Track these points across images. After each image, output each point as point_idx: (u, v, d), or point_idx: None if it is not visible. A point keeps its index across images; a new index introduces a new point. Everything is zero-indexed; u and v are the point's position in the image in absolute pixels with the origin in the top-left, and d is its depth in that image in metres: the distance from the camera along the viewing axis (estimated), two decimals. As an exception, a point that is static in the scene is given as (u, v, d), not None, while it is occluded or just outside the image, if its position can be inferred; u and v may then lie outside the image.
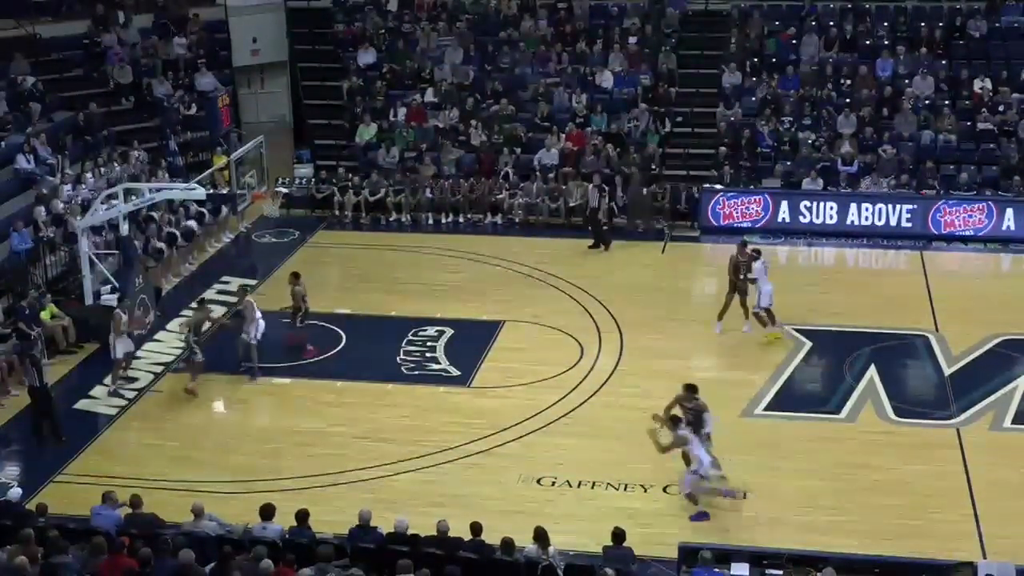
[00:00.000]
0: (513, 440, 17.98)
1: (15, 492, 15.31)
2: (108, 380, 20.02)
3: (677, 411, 16.53)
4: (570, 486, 16.72)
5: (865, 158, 27.74)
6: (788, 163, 28.00)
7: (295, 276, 21.36)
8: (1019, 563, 13.29)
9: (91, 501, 14.67)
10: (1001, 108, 28.49)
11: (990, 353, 20.66)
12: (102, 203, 22.31)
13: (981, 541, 15.28)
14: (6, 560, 12.23)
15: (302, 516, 13.88)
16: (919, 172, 27.28)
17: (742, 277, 21.09)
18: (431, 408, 19.09)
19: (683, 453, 16.23)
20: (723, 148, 28.23)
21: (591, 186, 26.43)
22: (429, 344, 21.33)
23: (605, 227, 26.23)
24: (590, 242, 26.11)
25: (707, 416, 16.45)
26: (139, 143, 27.99)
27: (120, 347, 19.97)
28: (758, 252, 21.15)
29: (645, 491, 16.53)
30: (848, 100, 29.27)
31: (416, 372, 20.35)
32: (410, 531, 13.75)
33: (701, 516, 15.88)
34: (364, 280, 24.72)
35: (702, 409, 16.47)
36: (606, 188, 26.53)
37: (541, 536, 13.59)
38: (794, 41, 31.04)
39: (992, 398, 19.11)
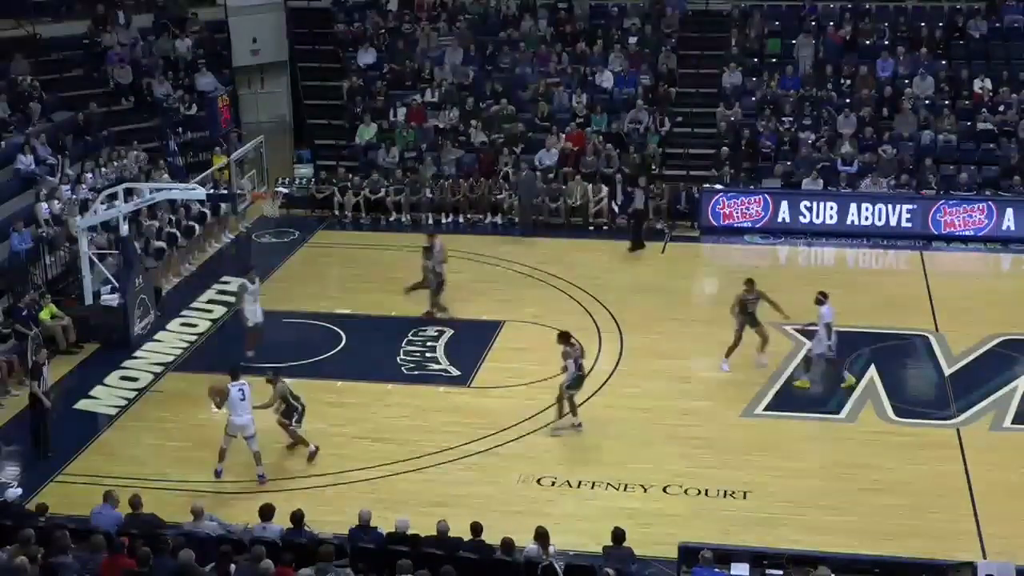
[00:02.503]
0: (513, 440, 17.99)
1: (15, 492, 15.30)
2: (248, 349, 20.55)
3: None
4: (570, 486, 16.73)
5: (865, 158, 27.75)
6: (788, 163, 28.00)
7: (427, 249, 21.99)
8: (1019, 563, 13.28)
9: (91, 501, 14.66)
10: (1001, 108, 28.49)
11: (990, 353, 20.67)
12: (102, 203, 22.33)
13: (981, 541, 15.28)
14: (6, 560, 12.23)
15: (297, 518, 13.86)
16: (919, 172, 27.28)
17: (749, 312, 20.01)
18: (431, 408, 19.09)
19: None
20: (724, 148, 28.23)
21: (637, 188, 26.35)
22: (429, 344, 21.33)
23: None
24: (628, 244, 25.97)
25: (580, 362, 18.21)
26: (139, 143, 28.03)
27: (251, 316, 20.58)
28: (825, 296, 19.47)
29: (645, 491, 16.54)
30: (848, 100, 29.28)
31: (416, 372, 20.36)
32: (410, 531, 13.76)
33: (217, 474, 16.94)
34: (364, 280, 24.72)
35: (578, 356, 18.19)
36: (652, 189, 26.53)
37: (542, 536, 13.58)
38: (793, 42, 31.07)
39: (992, 398, 19.12)
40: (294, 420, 17.40)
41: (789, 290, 23.61)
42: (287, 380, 17.78)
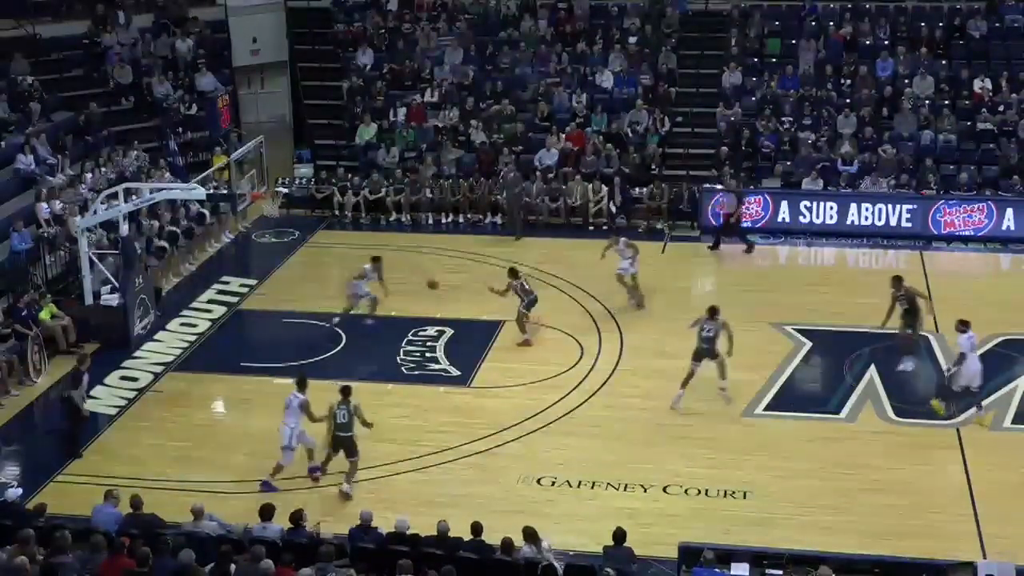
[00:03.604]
0: (513, 440, 17.99)
1: (15, 492, 15.30)
2: (339, 314, 21.81)
3: None
4: (570, 486, 16.72)
5: (865, 158, 27.74)
6: (788, 163, 28.00)
7: (513, 272, 21.38)
8: (1019, 563, 13.29)
9: (91, 501, 14.66)
10: (1001, 108, 28.48)
11: (990, 353, 20.58)
12: (102, 203, 22.32)
13: (981, 541, 15.28)
14: (6, 560, 12.22)
15: (295, 517, 13.86)
16: (919, 172, 27.28)
17: (907, 309, 19.74)
18: (431, 408, 19.09)
19: None
20: (723, 148, 28.23)
21: (730, 192, 26.23)
22: (429, 344, 21.33)
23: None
24: (743, 246, 25.91)
25: None
26: (139, 143, 28.02)
27: (355, 290, 21.63)
28: (966, 324, 18.60)
29: (645, 491, 16.54)
30: (848, 100, 29.27)
31: (416, 372, 20.35)
32: (410, 531, 13.75)
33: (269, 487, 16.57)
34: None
35: None
36: (743, 194, 26.41)
37: (531, 535, 13.61)
38: (793, 41, 31.09)
39: (992, 398, 19.09)
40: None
41: (789, 291, 23.73)
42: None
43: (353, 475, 16.59)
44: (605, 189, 27.38)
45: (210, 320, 22.74)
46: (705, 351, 18.77)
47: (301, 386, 16.88)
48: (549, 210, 27.57)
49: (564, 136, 29.09)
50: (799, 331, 21.50)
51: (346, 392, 16.69)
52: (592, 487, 16.68)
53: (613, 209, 27.35)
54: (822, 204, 26.69)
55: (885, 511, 15.99)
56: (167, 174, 26.72)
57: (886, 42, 30.70)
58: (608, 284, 23.82)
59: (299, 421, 16.64)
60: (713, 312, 18.94)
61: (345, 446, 16.57)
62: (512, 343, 21.29)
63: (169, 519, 14.28)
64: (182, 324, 22.46)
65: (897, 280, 20.07)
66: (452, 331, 21.77)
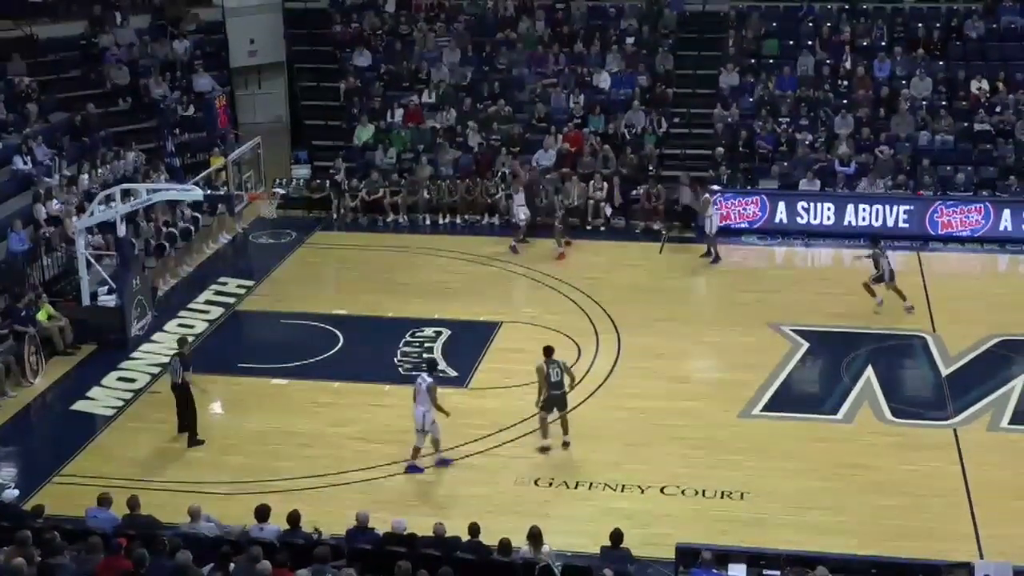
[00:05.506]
0: (511, 441, 17.98)
1: (12, 493, 15.28)
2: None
3: None
4: (567, 487, 16.72)
5: (862, 159, 27.75)
6: (785, 164, 28.00)
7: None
8: (1016, 563, 13.29)
9: (89, 502, 14.64)
10: (998, 109, 28.51)
11: (987, 354, 20.66)
12: (99, 204, 22.30)
13: (978, 541, 15.29)
14: (3, 561, 12.21)
15: (293, 519, 13.85)
16: (916, 173, 27.28)
17: None
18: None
19: None
20: (720, 149, 28.23)
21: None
22: (427, 345, 21.31)
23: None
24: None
25: None
26: (136, 144, 27.99)
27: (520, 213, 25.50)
28: None
29: (642, 492, 16.54)
30: (845, 101, 29.29)
31: (414, 373, 20.28)
32: (408, 532, 13.74)
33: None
34: (361, 281, 24.71)
35: None
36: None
37: (534, 536, 13.58)
38: (791, 42, 31.10)
39: (989, 398, 19.11)
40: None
41: (787, 291, 23.72)
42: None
43: (567, 429, 17.63)
44: (606, 185, 27.33)
45: (207, 321, 22.72)
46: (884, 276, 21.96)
47: (431, 368, 17.53)
48: (546, 210, 27.50)
49: (561, 137, 29.08)
50: (796, 332, 21.49)
51: (549, 352, 17.57)
52: (589, 488, 16.68)
53: (608, 211, 27.32)
54: (819, 205, 26.67)
55: (882, 512, 15.99)
56: (163, 175, 26.68)
57: (883, 43, 30.72)
58: (607, 284, 23.88)
59: (430, 404, 16.91)
60: (877, 241, 22.47)
61: (559, 403, 17.48)
62: (509, 344, 21.29)
63: (166, 520, 14.27)
64: (179, 325, 22.43)
65: None
66: (450, 332, 21.76)
